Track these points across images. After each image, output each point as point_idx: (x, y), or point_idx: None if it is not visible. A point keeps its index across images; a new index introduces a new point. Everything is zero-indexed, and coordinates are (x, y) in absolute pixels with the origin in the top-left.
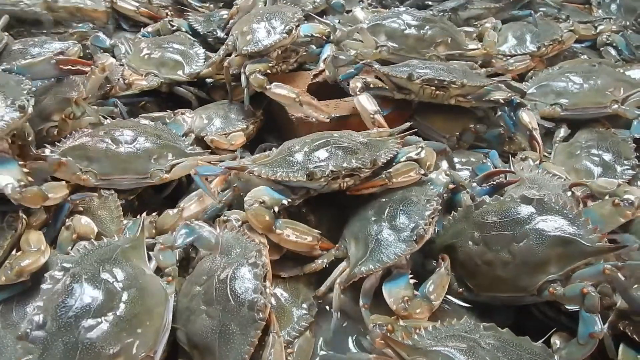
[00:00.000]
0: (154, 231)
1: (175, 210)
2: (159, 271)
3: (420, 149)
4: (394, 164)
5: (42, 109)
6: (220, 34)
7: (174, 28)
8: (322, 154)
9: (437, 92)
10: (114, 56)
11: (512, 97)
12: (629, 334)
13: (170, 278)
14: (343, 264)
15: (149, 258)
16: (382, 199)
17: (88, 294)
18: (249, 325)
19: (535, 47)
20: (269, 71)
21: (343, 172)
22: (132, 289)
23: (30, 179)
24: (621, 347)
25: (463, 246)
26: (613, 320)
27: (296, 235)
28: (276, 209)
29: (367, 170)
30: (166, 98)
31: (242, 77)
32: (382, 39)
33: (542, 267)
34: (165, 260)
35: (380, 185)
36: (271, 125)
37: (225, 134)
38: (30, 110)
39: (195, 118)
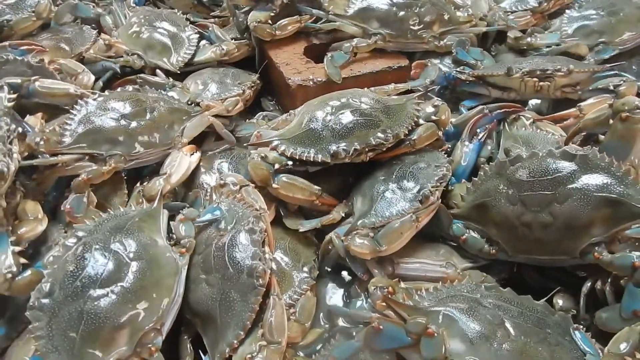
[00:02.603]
0: (141, 200)
1: (162, 177)
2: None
3: (437, 107)
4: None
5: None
6: None
7: None
8: (344, 125)
9: (541, 83)
10: (100, 27)
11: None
12: None
13: (184, 250)
14: (348, 220)
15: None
16: (392, 161)
17: (96, 264)
18: (249, 292)
19: (537, 3)
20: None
21: (367, 149)
22: (142, 260)
23: (22, 260)
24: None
25: (497, 205)
26: (615, 277)
27: (293, 191)
28: (277, 166)
29: (390, 144)
30: None
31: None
32: (374, 25)
33: (586, 229)
34: (185, 232)
35: (404, 152)
36: (269, 89)
37: (221, 100)
38: (12, 171)
39: (190, 84)
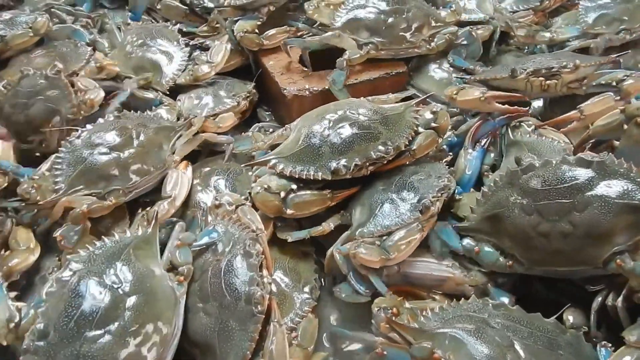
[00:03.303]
0: (145, 224)
1: (167, 201)
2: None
3: (435, 114)
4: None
5: (30, 119)
6: (209, 3)
7: None
8: (343, 140)
9: (548, 82)
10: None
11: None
12: None
13: (182, 278)
14: (346, 232)
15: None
16: (392, 171)
17: (92, 302)
18: (248, 320)
19: (538, 1)
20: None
21: (367, 164)
22: (139, 294)
23: (20, 304)
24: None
25: (511, 216)
26: (628, 293)
27: (308, 207)
28: (282, 194)
29: (390, 157)
30: None
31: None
32: (364, 35)
33: (609, 237)
34: (183, 258)
35: (404, 162)
36: (265, 99)
37: (214, 115)
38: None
39: (183, 99)
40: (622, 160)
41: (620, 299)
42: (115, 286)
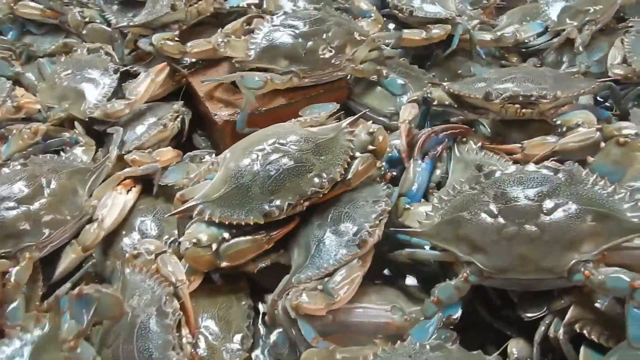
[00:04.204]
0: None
1: (95, 224)
2: None
3: (372, 135)
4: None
5: None
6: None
7: (86, 20)
8: (275, 178)
9: (524, 110)
10: (21, 86)
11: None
12: (587, 334)
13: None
14: (285, 278)
15: None
16: (327, 202)
17: None
18: None
19: None
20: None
21: (302, 201)
22: None
23: None
24: (582, 349)
25: (472, 219)
26: (568, 322)
27: (243, 255)
28: (214, 246)
29: (326, 190)
30: None
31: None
32: (282, 64)
33: (576, 244)
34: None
35: (341, 192)
36: (200, 124)
37: (148, 148)
38: None
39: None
40: (588, 170)
41: (561, 330)
42: None
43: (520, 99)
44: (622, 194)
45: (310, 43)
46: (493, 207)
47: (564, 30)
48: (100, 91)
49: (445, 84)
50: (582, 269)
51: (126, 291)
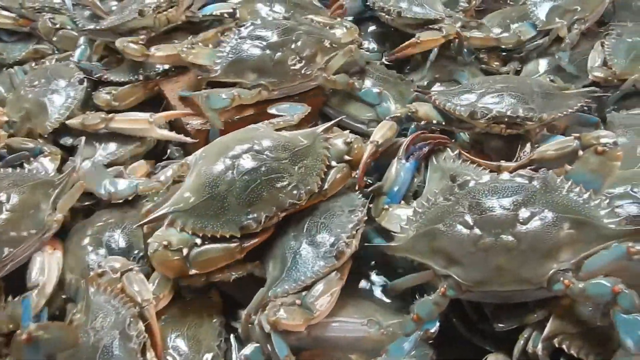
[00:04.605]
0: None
1: (35, 291)
2: None
3: (349, 145)
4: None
5: None
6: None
7: (57, 26)
8: (251, 189)
9: (509, 130)
10: None
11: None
12: (566, 349)
13: None
14: (260, 292)
15: None
16: (303, 212)
17: None
18: None
19: (466, 2)
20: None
21: (279, 213)
22: None
23: None
24: None
25: (448, 231)
26: (547, 337)
27: (214, 262)
28: (185, 251)
29: (304, 202)
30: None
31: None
32: (250, 78)
33: (554, 253)
34: None
35: (316, 202)
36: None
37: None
38: None
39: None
40: (563, 177)
41: (539, 346)
42: None
43: (506, 119)
44: (598, 200)
45: (278, 54)
46: (468, 218)
47: (552, 29)
48: (63, 104)
49: (432, 92)
50: (562, 278)
51: (89, 312)
